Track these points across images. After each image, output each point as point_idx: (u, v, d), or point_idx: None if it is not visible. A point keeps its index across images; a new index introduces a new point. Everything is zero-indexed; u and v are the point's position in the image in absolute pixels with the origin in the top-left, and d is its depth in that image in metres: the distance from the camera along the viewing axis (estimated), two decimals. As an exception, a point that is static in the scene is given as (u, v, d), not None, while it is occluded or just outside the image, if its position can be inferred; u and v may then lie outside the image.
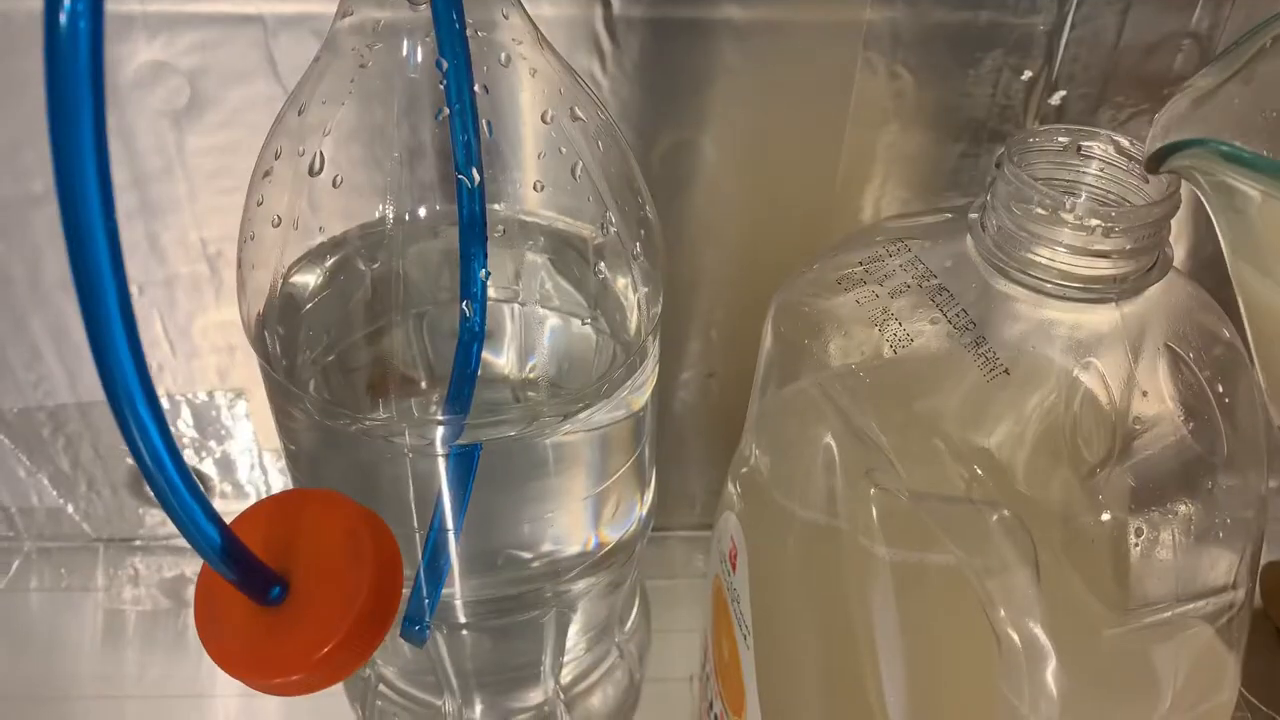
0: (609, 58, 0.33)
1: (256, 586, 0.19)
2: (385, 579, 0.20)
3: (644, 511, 0.31)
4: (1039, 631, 0.21)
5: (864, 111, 0.34)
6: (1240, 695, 0.41)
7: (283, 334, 0.25)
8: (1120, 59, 0.33)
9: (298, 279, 0.25)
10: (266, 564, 0.19)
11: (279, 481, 0.44)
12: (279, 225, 0.23)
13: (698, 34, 0.32)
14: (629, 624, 0.34)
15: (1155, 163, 0.19)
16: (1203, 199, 0.19)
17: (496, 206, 0.26)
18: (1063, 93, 0.34)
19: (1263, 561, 0.45)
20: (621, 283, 0.27)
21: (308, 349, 0.26)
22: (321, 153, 0.22)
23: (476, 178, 0.21)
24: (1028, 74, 0.34)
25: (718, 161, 0.35)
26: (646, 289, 0.27)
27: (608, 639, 0.33)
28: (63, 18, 0.13)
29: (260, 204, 0.23)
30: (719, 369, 0.41)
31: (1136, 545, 0.23)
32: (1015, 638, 0.21)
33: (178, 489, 0.17)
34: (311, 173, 0.22)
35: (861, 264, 0.24)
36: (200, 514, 0.17)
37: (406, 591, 0.27)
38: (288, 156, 0.23)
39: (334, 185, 0.23)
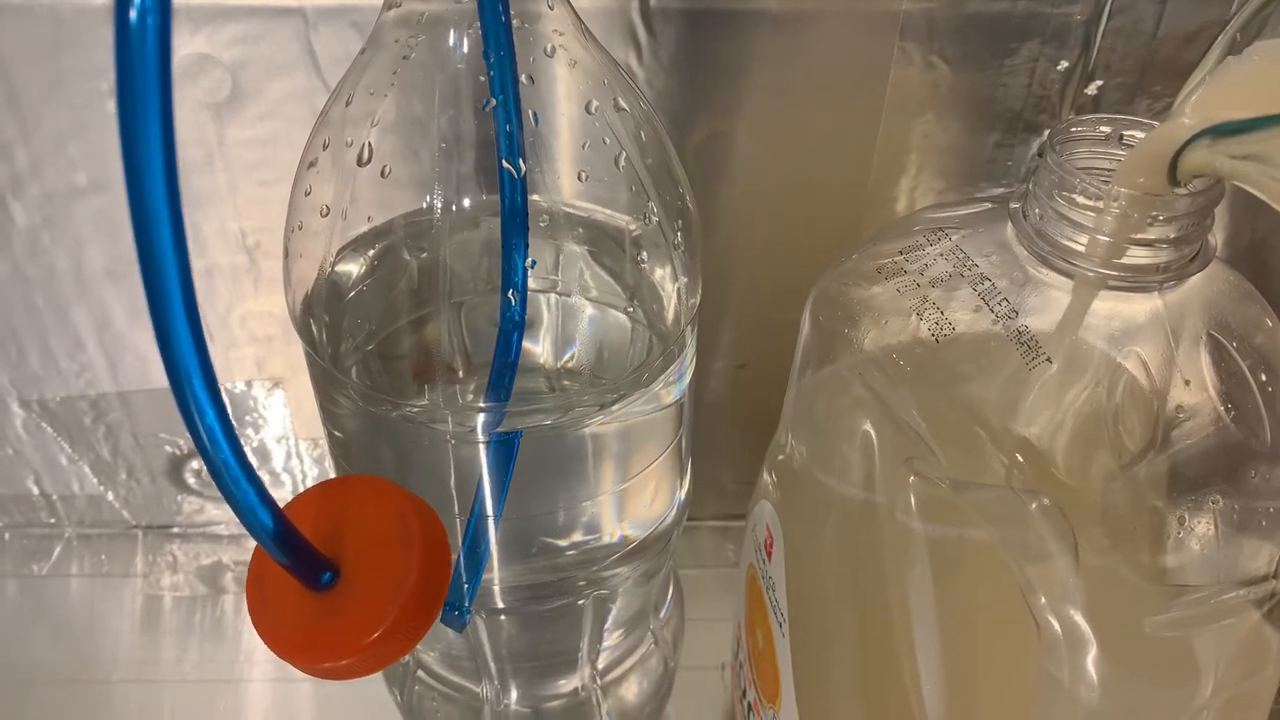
0: (645, 49, 0.33)
1: (308, 571, 0.20)
2: (433, 564, 0.20)
3: (681, 501, 0.31)
4: (1079, 619, 0.22)
5: (899, 102, 0.34)
6: None
7: (328, 321, 0.26)
8: (1158, 49, 0.33)
9: (342, 267, 0.26)
10: (317, 549, 0.20)
11: (314, 471, 0.44)
12: (327, 215, 0.23)
13: (733, 25, 0.32)
14: (664, 612, 0.34)
15: (1173, 176, 0.19)
16: (1239, 184, 0.19)
17: (536, 197, 0.26)
18: (1099, 83, 0.34)
19: None
20: (660, 273, 0.27)
21: (351, 336, 0.27)
22: (370, 143, 0.23)
23: (522, 168, 0.21)
24: (1064, 64, 0.34)
25: (752, 152, 0.35)
26: (685, 279, 0.27)
27: (643, 626, 0.33)
28: (133, 14, 0.13)
29: (308, 194, 0.24)
30: (750, 360, 0.41)
31: (1177, 534, 0.23)
32: (1055, 625, 0.21)
33: (235, 473, 0.17)
34: (360, 163, 0.23)
35: (901, 253, 0.24)
36: (256, 498, 0.18)
37: (448, 577, 0.28)
38: (335, 147, 0.23)
39: (382, 175, 0.23)
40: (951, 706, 0.25)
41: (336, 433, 0.28)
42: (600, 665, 0.32)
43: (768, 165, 0.36)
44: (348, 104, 0.23)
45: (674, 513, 0.31)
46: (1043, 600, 0.22)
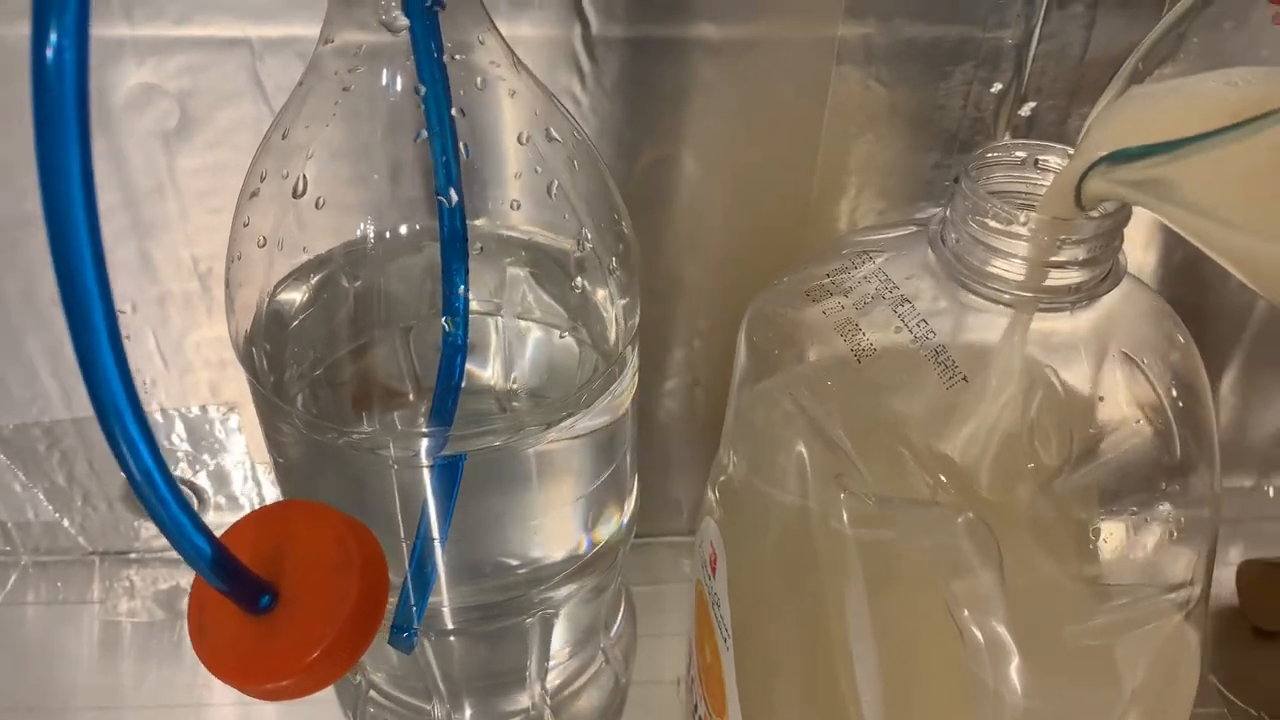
0: (588, 76, 0.33)
1: (246, 595, 0.20)
2: (371, 586, 0.20)
3: (626, 518, 0.31)
4: (1001, 629, 0.22)
5: (838, 124, 0.35)
6: (1218, 692, 0.42)
7: (270, 350, 0.26)
8: (1086, 71, 0.34)
9: (284, 296, 0.26)
10: (256, 573, 0.20)
11: (272, 494, 0.44)
12: (264, 245, 0.24)
13: (675, 52, 0.33)
14: (615, 629, 0.35)
15: (1079, 201, 0.20)
16: (1142, 207, 0.19)
17: (479, 222, 0.27)
18: (1033, 104, 0.35)
19: (1238, 560, 0.46)
20: (600, 295, 0.27)
21: (295, 364, 0.27)
22: (304, 175, 0.23)
23: (454, 197, 0.22)
24: (998, 86, 0.34)
25: (697, 176, 0.36)
26: (624, 301, 0.27)
27: (593, 644, 0.34)
28: (49, 52, 0.13)
29: (246, 225, 0.24)
30: (703, 378, 0.42)
31: (1100, 544, 0.23)
32: (978, 635, 0.22)
33: (167, 503, 0.17)
34: (295, 194, 0.23)
35: (829, 275, 0.25)
36: (190, 527, 0.18)
37: (394, 600, 0.28)
38: (272, 178, 0.24)
39: (317, 206, 0.23)
40: (890, 717, 0.26)
41: (281, 460, 0.28)
42: (551, 683, 0.32)
43: (713, 188, 0.36)
44: (284, 136, 0.23)
45: (620, 529, 0.31)
46: (966, 613, 0.22)
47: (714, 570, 0.31)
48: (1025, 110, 0.35)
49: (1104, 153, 0.19)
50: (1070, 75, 0.34)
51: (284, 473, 0.29)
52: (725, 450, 0.29)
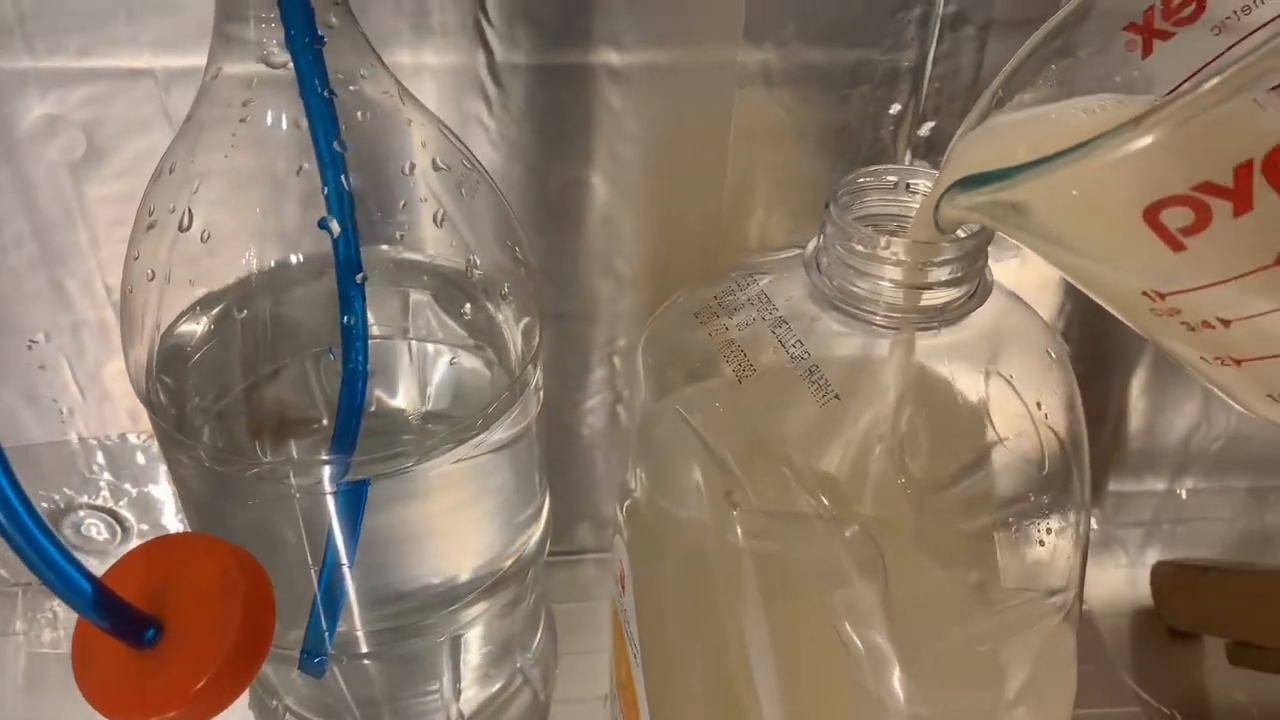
0: (495, 102, 0.34)
1: (130, 631, 0.20)
2: (256, 614, 0.21)
3: (537, 535, 0.32)
4: (883, 639, 0.23)
5: (744, 147, 0.36)
6: (1133, 692, 0.43)
7: (171, 384, 0.26)
8: (982, 90, 0.35)
9: (184, 329, 0.26)
10: (140, 608, 0.20)
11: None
12: (154, 279, 0.24)
13: (579, 78, 0.34)
14: (534, 647, 0.35)
15: (939, 226, 0.20)
16: (999, 231, 0.20)
17: (384, 247, 0.27)
18: (931, 124, 0.36)
19: (1152, 562, 0.47)
20: (500, 316, 0.28)
21: (198, 397, 0.27)
22: (190, 209, 0.24)
23: (336, 228, 0.23)
24: (896, 107, 0.35)
25: (608, 197, 0.37)
26: (523, 322, 0.28)
27: (509, 662, 0.34)
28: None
29: (137, 259, 0.24)
30: (624, 395, 0.42)
31: (978, 554, 0.24)
32: (859, 644, 0.23)
33: (41, 547, 0.18)
34: (181, 228, 0.23)
35: (716, 298, 0.25)
36: (66, 567, 0.18)
37: (290, 633, 0.28)
38: (160, 212, 0.24)
39: (203, 239, 0.24)
40: (790, 725, 0.26)
41: (185, 491, 0.28)
42: (468, 703, 0.33)
43: (625, 209, 0.37)
44: (171, 170, 0.24)
45: (531, 546, 0.31)
46: (847, 625, 0.23)
47: (624, 587, 0.31)
48: (924, 130, 0.36)
49: (955, 179, 0.19)
50: (966, 95, 0.35)
51: (189, 504, 0.29)
52: (631, 469, 0.30)
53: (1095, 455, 0.48)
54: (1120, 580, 0.49)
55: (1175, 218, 0.16)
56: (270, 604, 0.21)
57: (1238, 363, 0.17)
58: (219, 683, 0.20)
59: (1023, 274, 0.39)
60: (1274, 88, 0.14)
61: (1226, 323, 0.17)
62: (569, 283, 0.39)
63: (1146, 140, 0.15)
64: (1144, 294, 0.17)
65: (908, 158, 0.37)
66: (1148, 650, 0.46)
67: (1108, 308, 0.19)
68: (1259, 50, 0.14)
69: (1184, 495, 0.50)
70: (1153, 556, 0.49)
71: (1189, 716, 0.43)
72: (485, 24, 0.32)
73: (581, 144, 0.35)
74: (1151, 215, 0.16)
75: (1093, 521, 0.49)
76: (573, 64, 0.33)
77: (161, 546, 0.22)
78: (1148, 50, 0.22)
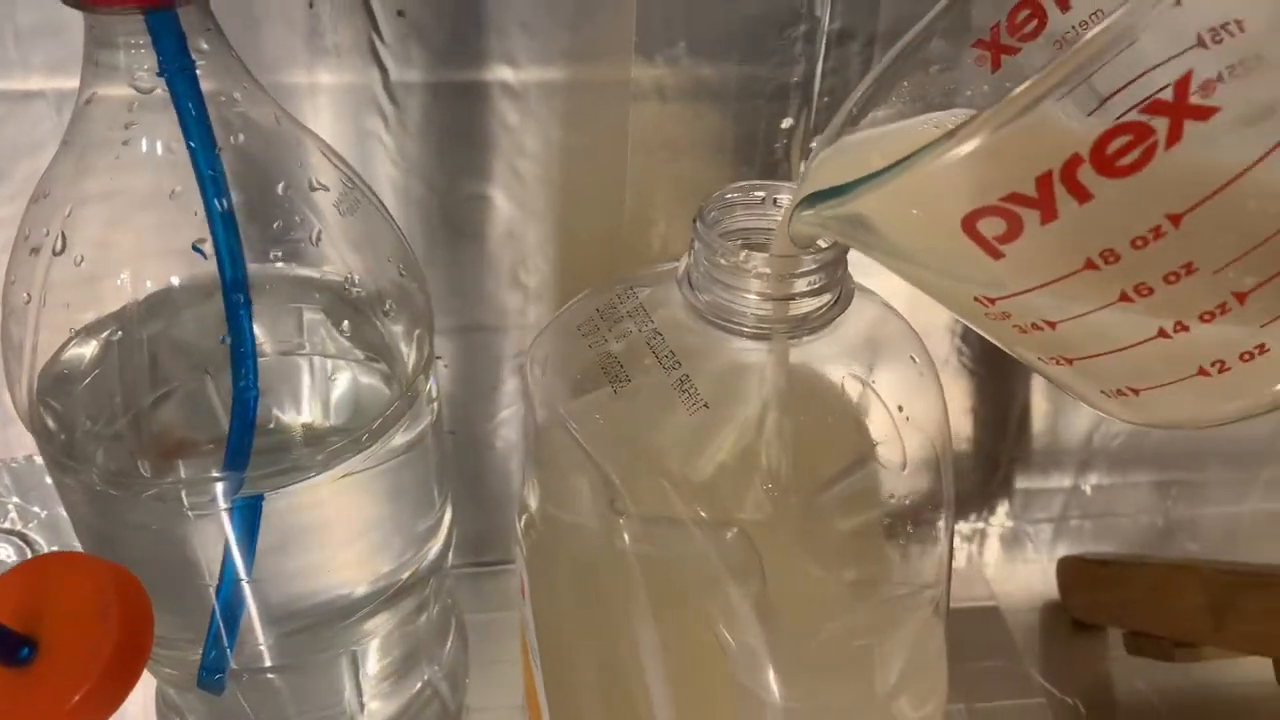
0: (392, 119, 0.34)
1: (3, 650, 0.20)
2: (132, 630, 0.21)
3: (438, 545, 0.32)
4: (760, 638, 0.24)
5: (641, 161, 0.37)
6: (1039, 684, 0.44)
7: (60, 409, 0.26)
8: (867, 105, 0.37)
9: (71, 353, 0.27)
10: (12, 628, 0.20)
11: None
12: (30, 303, 0.24)
13: (475, 95, 0.34)
14: (443, 658, 0.36)
15: (796, 241, 0.21)
16: (844, 241, 0.21)
17: (280, 265, 0.28)
18: (824, 137, 0.37)
19: (1058, 556, 0.49)
20: (388, 330, 0.28)
21: (89, 421, 0.27)
22: (64, 233, 0.24)
23: (210, 251, 0.23)
24: (788, 121, 0.36)
25: (511, 212, 0.37)
26: (413, 335, 0.28)
27: (416, 674, 0.34)
28: None
29: (14, 283, 0.25)
30: (536, 406, 0.43)
31: (853, 553, 0.25)
32: (733, 644, 0.24)
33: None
34: (55, 252, 0.24)
35: (598, 310, 0.26)
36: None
37: (191, 651, 0.28)
38: (36, 236, 0.24)
39: (76, 264, 0.24)
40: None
41: (78, 515, 0.28)
42: (373, 717, 0.33)
43: (527, 223, 0.38)
44: (46, 194, 0.24)
45: (431, 557, 0.32)
46: (721, 626, 0.24)
47: (524, 595, 0.32)
48: (816, 143, 0.37)
49: (804, 196, 0.20)
50: (855, 109, 0.37)
51: (82, 528, 0.29)
52: (525, 481, 0.30)
53: (1002, 455, 0.50)
54: (1030, 576, 0.50)
55: (990, 227, 0.16)
56: (147, 620, 0.21)
57: (1069, 361, 0.18)
58: (94, 699, 0.20)
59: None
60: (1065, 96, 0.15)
61: (1053, 324, 0.17)
62: (476, 296, 0.39)
63: (959, 153, 0.16)
64: (976, 300, 0.18)
65: (801, 169, 0.38)
66: (1053, 643, 0.47)
67: (956, 315, 0.20)
68: (1052, 64, 0.15)
69: (1089, 491, 0.51)
70: (1061, 552, 0.50)
71: (1091, 705, 0.44)
72: (379, 43, 0.33)
73: (481, 160, 0.36)
74: (969, 225, 0.17)
75: (1004, 519, 0.51)
76: (468, 82, 0.34)
77: (37, 566, 0.22)
78: (996, 65, 0.23)
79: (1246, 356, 0.16)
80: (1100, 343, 0.17)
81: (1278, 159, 0.15)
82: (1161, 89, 0.14)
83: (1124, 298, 0.16)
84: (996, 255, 0.17)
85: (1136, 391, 0.18)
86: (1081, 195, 0.15)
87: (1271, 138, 0.15)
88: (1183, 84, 0.14)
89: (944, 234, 0.17)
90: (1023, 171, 0.16)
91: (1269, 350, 0.16)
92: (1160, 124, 0.15)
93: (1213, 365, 0.17)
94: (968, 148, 0.16)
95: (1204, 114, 0.14)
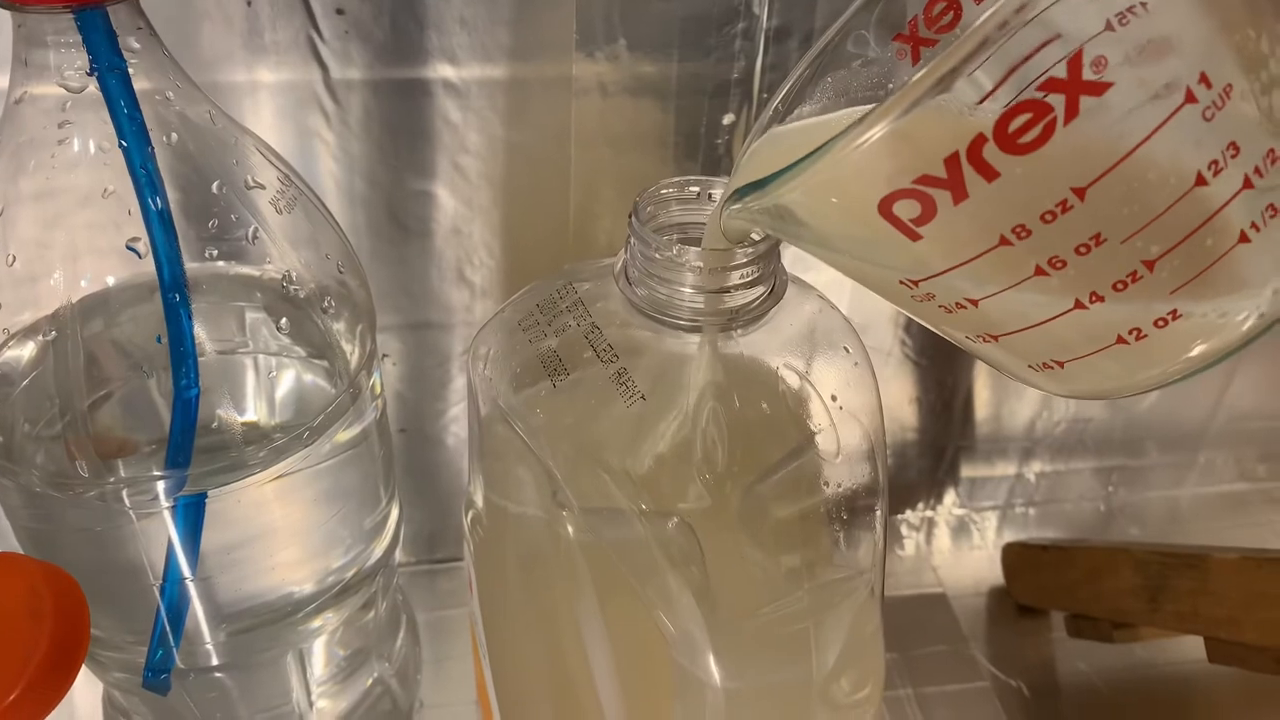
0: (333, 117, 0.34)
1: (-64, 652, 0.20)
2: (67, 630, 0.21)
3: (384, 543, 0.32)
4: (696, 625, 0.24)
5: (584, 156, 0.37)
6: (985, 668, 0.45)
7: (-3, 413, 0.26)
8: (808, 101, 0.37)
9: (10, 354, 0.26)
10: (-55, 630, 0.20)
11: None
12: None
13: (416, 92, 0.34)
14: (395, 654, 0.36)
15: (729, 237, 0.22)
16: (773, 233, 0.22)
17: (220, 264, 0.28)
18: (765, 132, 0.38)
19: (1003, 543, 0.50)
20: (332, 327, 0.28)
21: (27, 424, 0.27)
22: (-2, 234, 0.24)
23: (144, 249, 0.23)
24: (729, 118, 0.37)
25: (455, 208, 0.37)
26: (355, 330, 0.28)
27: (366, 671, 0.34)
28: None
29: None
30: (486, 402, 0.43)
31: (785, 539, 0.26)
32: (674, 630, 0.24)
33: None
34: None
35: (539, 305, 0.26)
36: None
37: (121, 657, 0.28)
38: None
39: (9, 264, 0.24)
40: (628, 714, 0.27)
41: (18, 518, 0.28)
42: (323, 715, 0.33)
43: (472, 219, 0.38)
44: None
45: (378, 553, 0.32)
46: (660, 612, 0.24)
47: (472, 591, 0.32)
48: (759, 138, 0.38)
49: (726, 195, 0.21)
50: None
51: (22, 531, 0.29)
52: (470, 477, 0.31)
53: (947, 444, 0.51)
54: (976, 563, 0.51)
55: (906, 209, 0.17)
56: (82, 620, 0.21)
57: (995, 338, 0.18)
58: (28, 699, 0.20)
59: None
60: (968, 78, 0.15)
61: (975, 302, 0.18)
62: (422, 294, 0.39)
63: (868, 139, 0.16)
64: (901, 283, 0.18)
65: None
66: (999, 627, 0.48)
67: (885, 300, 0.21)
68: (947, 48, 0.15)
69: (1033, 478, 0.53)
70: (1006, 538, 0.51)
71: (1035, 687, 0.45)
72: (318, 41, 0.33)
73: (424, 157, 0.36)
74: (885, 209, 0.17)
75: (950, 507, 0.52)
76: (409, 79, 0.34)
77: (-31, 569, 0.22)
78: (916, 58, 0.23)
79: (1161, 323, 0.17)
80: (1021, 318, 0.18)
81: (1171, 130, 0.15)
82: (1055, 64, 0.15)
83: (1039, 271, 0.17)
84: (915, 237, 0.17)
85: (1061, 364, 0.18)
86: (989, 174, 0.16)
87: (1165, 111, 0.15)
88: (1075, 61, 0.15)
89: (863, 220, 0.17)
90: (931, 154, 0.16)
91: (1181, 316, 0.17)
92: (1057, 101, 0.15)
93: (1130, 333, 0.17)
94: (875, 134, 0.16)
95: (1098, 89, 0.15)
